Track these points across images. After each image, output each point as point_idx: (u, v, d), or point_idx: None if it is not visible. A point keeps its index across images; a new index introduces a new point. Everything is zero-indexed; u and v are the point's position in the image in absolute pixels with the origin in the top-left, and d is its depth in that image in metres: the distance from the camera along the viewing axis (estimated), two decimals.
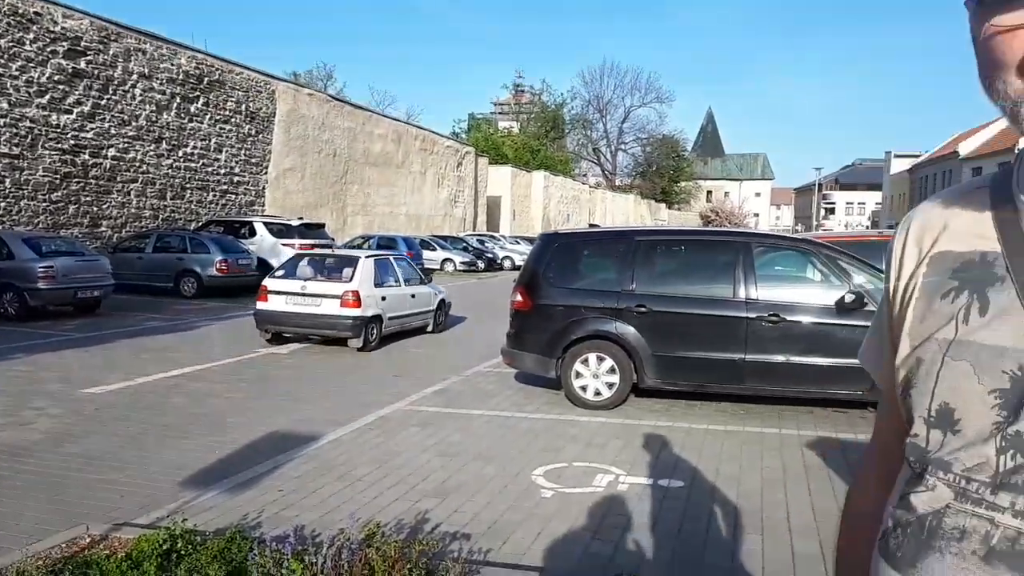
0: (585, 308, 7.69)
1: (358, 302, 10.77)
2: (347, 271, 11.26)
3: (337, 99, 30.19)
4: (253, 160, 24.30)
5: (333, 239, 23.68)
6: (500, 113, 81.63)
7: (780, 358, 7.23)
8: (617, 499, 5.00)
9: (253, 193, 24.44)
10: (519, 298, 8.03)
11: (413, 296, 12.46)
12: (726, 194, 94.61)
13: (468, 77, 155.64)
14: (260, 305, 11.12)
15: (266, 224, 20.46)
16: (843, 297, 7.13)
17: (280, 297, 11.01)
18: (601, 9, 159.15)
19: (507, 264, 33.11)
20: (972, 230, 0.85)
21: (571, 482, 5.33)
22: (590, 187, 63.29)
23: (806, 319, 7.25)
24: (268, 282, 11.27)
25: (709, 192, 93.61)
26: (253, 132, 24.17)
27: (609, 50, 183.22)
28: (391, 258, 12.87)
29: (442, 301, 13.32)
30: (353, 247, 26.74)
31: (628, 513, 4.75)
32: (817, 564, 4.03)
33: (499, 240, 36.98)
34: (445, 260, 30.29)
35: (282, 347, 11.08)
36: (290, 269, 11.74)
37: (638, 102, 76.76)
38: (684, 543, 4.32)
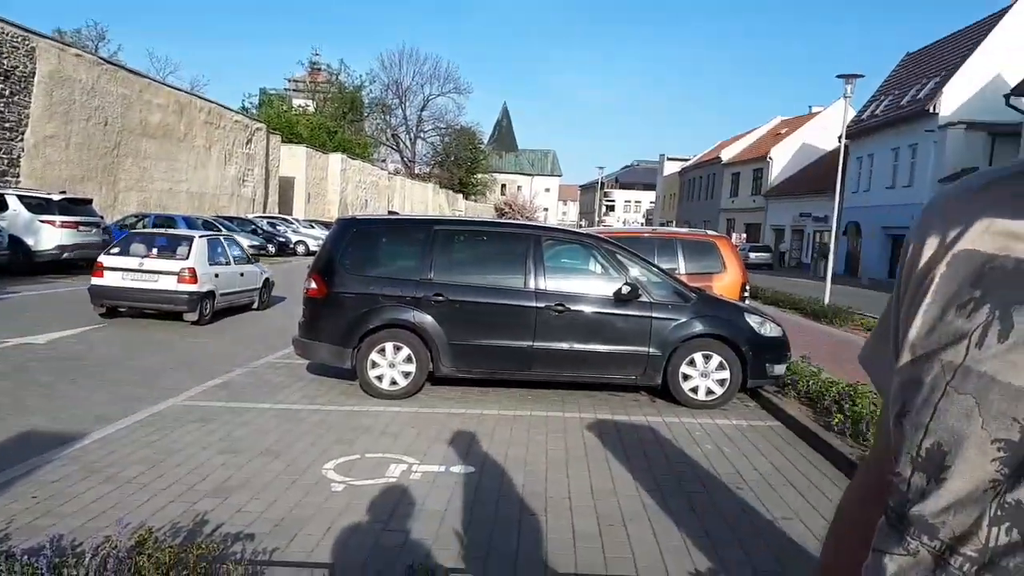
0: (383, 296, 7.63)
1: (194, 278, 11.57)
2: (182, 249, 11.98)
3: (110, 62, 27.34)
4: (6, 125, 21.40)
5: (102, 217, 21.52)
6: (295, 91, 78.26)
7: (565, 345, 7.63)
8: (409, 488, 5.03)
9: (6, 162, 21.54)
10: (313, 285, 7.79)
11: (242, 275, 13.40)
12: (519, 188, 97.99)
13: (260, 50, 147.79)
14: (95, 280, 11.57)
15: (21, 198, 18.11)
16: (620, 288, 7.67)
17: (116, 273, 11.55)
18: None
19: (300, 249, 31.96)
20: (1008, 227, 0.68)
21: (363, 474, 5.28)
22: (389, 173, 62.68)
23: (588, 309, 7.70)
24: (104, 259, 11.76)
25: (503, 185, 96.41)
26: (7, 93, 21.26)
27: (408, 37, 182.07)
28: (222, 238, 13.71)
29: (267, 280, 14.36)
30: (126, 226, 24.49)
31: (420, 502, 4.80)
32: (594, 541, 4.31)
33: (292, 223, 35.55)
34: None
35: (39, 336, 9.92)
36: (125, 246, 12.20)
37: (437, 91, 77.20)
38: (474, 527, 4.43)
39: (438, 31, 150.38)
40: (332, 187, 47.92)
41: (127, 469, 5.14)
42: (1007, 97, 25.54)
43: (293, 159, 43.29)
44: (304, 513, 4.55)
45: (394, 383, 7.57)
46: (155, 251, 11.99)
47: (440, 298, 7.56)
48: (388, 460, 5.61)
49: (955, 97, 33.45)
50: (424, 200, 67.10)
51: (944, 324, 0.70)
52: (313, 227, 35.25)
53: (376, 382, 7.57)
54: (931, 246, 0.75)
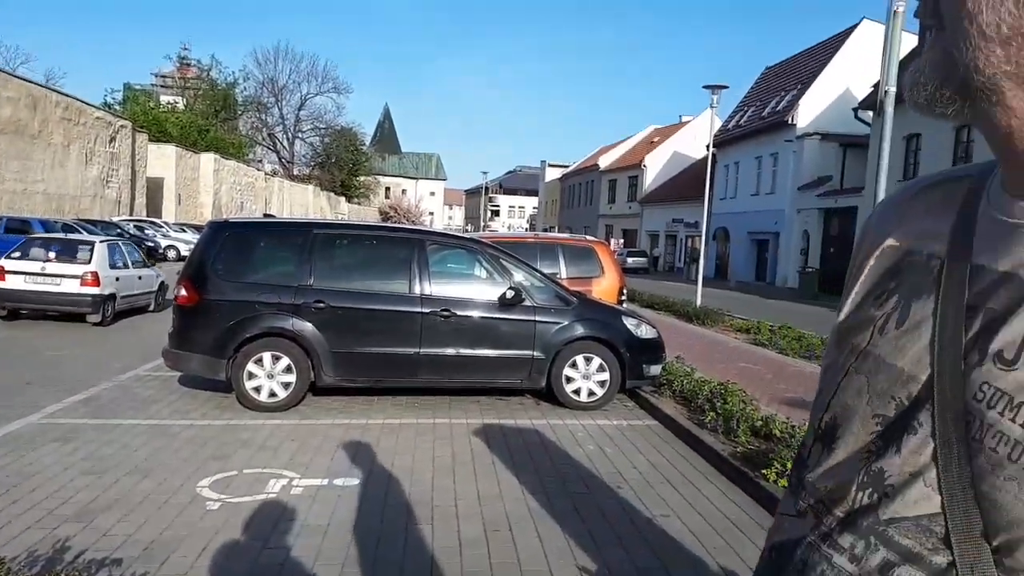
0: (259, 304, 7.36)
1: (97, 281, 12.17)
2: (83, 253, 12.54)
3: None
4: None
5: None
6: (163, 87, 74.38)
7: (451, 351, 7.63)
8: (290, 504, 4.88)
9: None
10: (184, 293, 7.43)
11: (140, 278, 14.14)
12: (403, 191, 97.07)
13: (124, 43, 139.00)
14: None
15: None
16: (504, 293, 7.75)
17: (19, 277, 12.04)
18: None
19: (171, 254, 30.35)
20: (930, 227, 0.73)
21: (241, 491, 5.08)
22: (266, 174, 60.59)
23: (473, 314, 7.74)
24: (5, 263, 12.19)
25: (387, 188, 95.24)
26: None
27: (284, 33, 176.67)
28: (120, 243, 14.37)
29: (162, 283, 15.00)
30: None
31: (302, 517, 4.67)
32: (480, 547, 4.33)
33: (162, 227, 33.72)
34: None
35: None
36: (25, 250, 12.58)
37: (315, 90, 75.48)
38: (358, 541, 4.36)
39: (315, 28, 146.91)
40: (204, 188, 45.81)
41: None
42: (855, 111, 27.66)
43: (162, 159, 41.08)
44: (177, 534, 4.33)
45: (273, 395, 7.33)
46: (54, 255, 12.42)
47: (321, 305, 7.38)
48: (267, 475, 5.42)
49: (810, 109, 35.91)
50: (304, 203, 65.29)
51: (861, 312, 0.76)
52: (184, 231, 33.59)
53: (254, 394, 7.29)
54: (868, 243, 0.81)
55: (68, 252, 12.59)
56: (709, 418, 6.89)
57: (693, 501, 5.26)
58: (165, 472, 5.40)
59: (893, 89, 5.04)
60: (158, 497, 4.89)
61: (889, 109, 5.07)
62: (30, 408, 6.95)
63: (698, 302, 18.60)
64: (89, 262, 12.30)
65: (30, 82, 29.74)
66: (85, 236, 15.51)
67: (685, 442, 6.82)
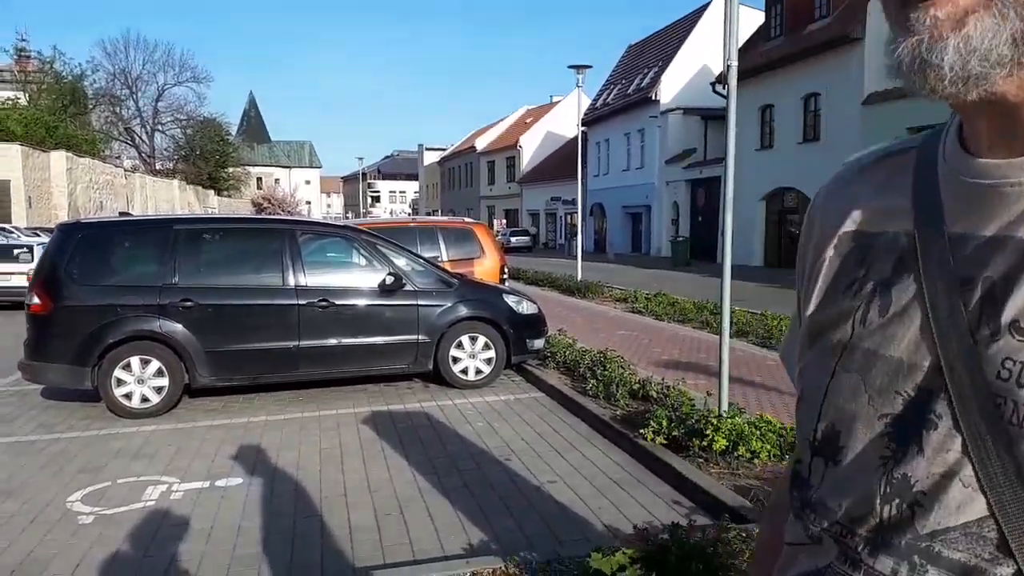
0: (121, 307, 6.98)
1: None
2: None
3: None
4: None
5: None
6: (1, 81, 68.47)
7: (332, 341, 7.52)
8: (171, 510, 4.71)
9: None
10: (36, 300, 6.94)
11: None
12: (276, 181, 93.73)
13: None
14: None
15: None
16: (384, 279, 7.70)
17: None
18: None
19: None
20: (888, 204, 0.69)
21: (115, 501, 4.85)
22: (126, 171, 57.00)
23: (354, 302, 7.65)
24: None
25: (259, 179, 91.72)
26: None
27: (132, 20, 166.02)
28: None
29: None
30: None
31: (184, 523, 4.51)
32: (371, 532, 4.34)
33: (12, 233, 31.14)
34: None
35: None
36: None
37: (172, 80, 71.29)
38: (244, 540, 4.27)
39: (166, 15, 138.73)
40: (58, 189, 42.61)
41: None
42: (712, 85, 28.99)
43: (6, 160, 37.84)
44: (47, 552, 4.10)
45: (145, 400, 6.99)
46: None
47: (189, 303, 7.09)
48: (144, 483, 5.20)
49: (672, 85, 37.33)
50: (170, 198, 61.94)
51: (833, 306, 0.69)
52: (39, 235, 31.11)
53: (124, 401, 6.94)
54: (821, 228, 0.76)
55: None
56: (591, 385, 7.14)
57: (578, 465, 5.45)
58: (31, 490, 5.08)
59: (735, 63, 5.33)
60: (24, 517, 4.60)
61: (733, 82, 5.36)
62: None
63: (579, 276, 19.09)
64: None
65: None
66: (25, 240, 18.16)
67: (569, 410, 7.05)
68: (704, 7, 38.01)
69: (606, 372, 7.24)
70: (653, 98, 37.31)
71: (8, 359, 8.30)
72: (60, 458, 5.80)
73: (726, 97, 5.47)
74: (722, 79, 5.45)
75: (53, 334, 6.93)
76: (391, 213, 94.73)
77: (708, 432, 5.12)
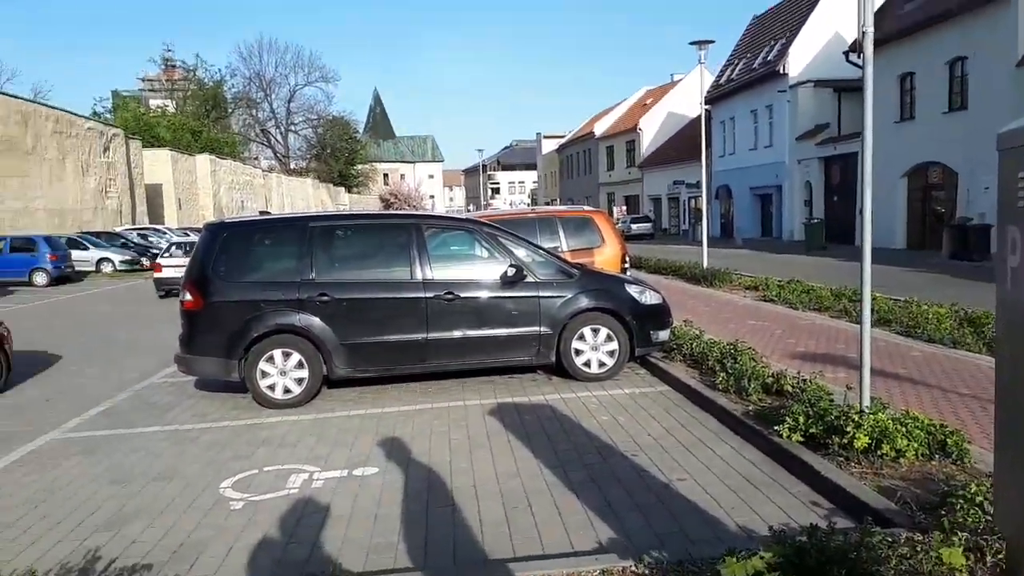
0: (264, 302, 7.40)
1: None
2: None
3: None
4: None
5: None
6: (150, 91, 74.07)
7: (458, 333, 7.67)
8: (312, 498, 4.96)
9: None
10: (188, 297, 7.47)
11: None
12: (402, 176, 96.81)
13: (106, 49, 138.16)
14: (156, 275, 18.90)
15: None
16: (505, 271, 7.77)
17: (171, 268, 17.89)
18: None
19: None
20: None
21: (263, 489, 5.17)
22: (263, 171, 60.53)
23: (477, 294, 7.76)
24: (161, 260, 19.26)
25: (386, 175, 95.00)
26: None
27: (265, 24, 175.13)
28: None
29: None
30: None
31: (324, 510, 4.75)
32: (501, 525, 4.40)
33: (165, 233, 33.79)
34: (101, 260, 27.02)
35: None
36: (168, 251, 20.16)
37: (303, 81, 75.23)
38: (381, 527, 4.44)
39: (294, 16, 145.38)
40: (203, 191, 45.82)
41: (5, 514, 4.83)
42: (846, 54, 27.35)
43: (158, 164, 41.07)
44: (204, 535, 4.42)
45: (288, 391, 7.40)
46: (183, 252, 18.30)
47: (325, 298, 7.42)
48: (288, 471, 5.51)
49: (801, 57, 35.46)
50: (305, 196, 65.27)
51: None
52: (188, 235, 33.57)
53: (268, 392, 7.37)
54: None
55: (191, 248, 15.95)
56: (720, 379, 6.93)
57: (708, 462, 5.31)
58: (188, 476, 5.49)
59: (871, 30, 4.97)
60: (182, 501, 4.98)
61: (869, 51, 5.00)
62: (51, 425, 7.06)
63: (704, 263, 18.58)
64: None
65: (18, 98, 29.74)
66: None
67: (698, 405, 6.87)
68: None
69: (737, 365, 7.00)
70: (781, 71, 35.64)
71: (166, 355, 9.00)
72: (212, 446, 6.24)
73: (862, 67, 5.12)
74: (856, 47, 5.09)
75: (203, 329, 7.45)
76: (511, 204, 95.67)
77: (849, 429, 4.85)
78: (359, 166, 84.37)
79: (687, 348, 8.30)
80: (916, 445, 4.72)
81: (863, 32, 4.97)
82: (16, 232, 25.03)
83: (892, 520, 3.87)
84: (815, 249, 27.66)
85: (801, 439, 5.16)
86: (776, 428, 5.37)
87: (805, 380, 6.29)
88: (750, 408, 6.17)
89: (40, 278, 23.08)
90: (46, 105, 31.45)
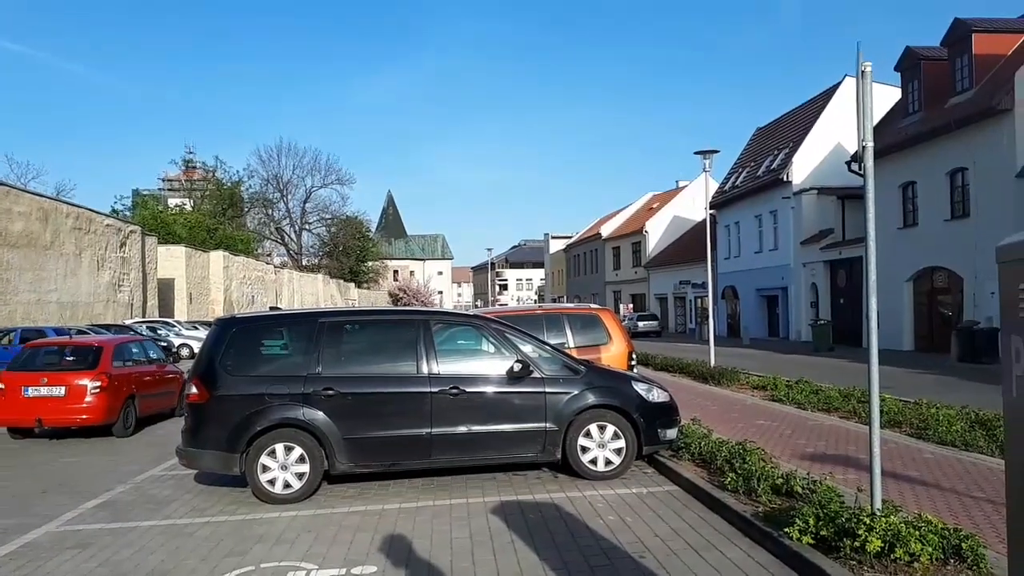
0: (269, 396, 7.39)
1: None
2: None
3: None
4: None
5: None
6: (170, 190, 76.31)
7: (463, 428, 7.60)
8: None
9: None
10: (194, 391, 7.47)
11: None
12: (411, 273, 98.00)
13: (130, 151, 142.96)
14: None
15: None
16: (512, 367, 7.76)
17: None
18: (274, 83, 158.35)
19: (184, 352, 30.52)
20: None
21: None
22: (275, 267, 61.42)
23: (483, 389, 7.73)
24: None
25: (395, 271, 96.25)
26: None
27: (285, 128, 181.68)
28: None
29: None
30: None
31: None
32: None
33: (174, 326, 34.03)
34: None
35: None
36: None
37: (319, 183, 76.96)
38: None
39: (314, 123, 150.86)
40: (215, 285, 46.40)
41: None
42: (847, 164, 28.05)
43: (172, 260, 41.80)
44: None
45: (288, 486, 7.28)
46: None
47: (330, 392, 7.41)
48: (284, 568, 5.36)
49: (805, 165, 36.41)
50: (315, 292, 65.92)
51: None
52: (197, 328, 33.83)
53: (268, 487, 7.25)
54: None
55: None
56: (729, 479, 6.80)
57: (718, 566, 5.15)
58: (182, 574, 5.35)
59: (871, 144, 5.16)
60: None
61: (869, 163, 5.18)
62: (47, 517, 6.93)
63: (712, 362, 18.50)
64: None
65: (41, 196, 30.62)
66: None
67: (706, 505, 6.72)
68: (835, 86, 37.28)
69: (746, 465, 6.88)
70: (785, 179, 36.51)
71: (169, 449, 8.90)
72: (209, 541, 6.10)
73: (863, 176, 5.28)
74: (858, 158, 5.28)
75: (207, 422, 7.41)
76: (518, 300, 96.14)
77: (861, 532, 4.73)
78: (370, 263, 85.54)
79: (695, 447, 8.18)
80: (930, 549, 4.58)
81: (863, 146, 5.14)
82: (28, 324, 25.24)
83: None
84: (822, 350, 27.55)
85: (812, 541, 5.02)
86: (786, 530, 5.23)
87: (815, 481, 6.17)
88: (760, 509, 6.03)
89: None
90: (67, 202, 32.33)
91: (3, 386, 11.18)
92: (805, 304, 35.46)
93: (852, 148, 30.93)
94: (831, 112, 36.33)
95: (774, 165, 39.16)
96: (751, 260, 40.99)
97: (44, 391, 11.16)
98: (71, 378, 11.29)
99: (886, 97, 28.83)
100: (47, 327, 24.39)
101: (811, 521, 5.11)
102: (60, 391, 11.17)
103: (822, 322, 30.32)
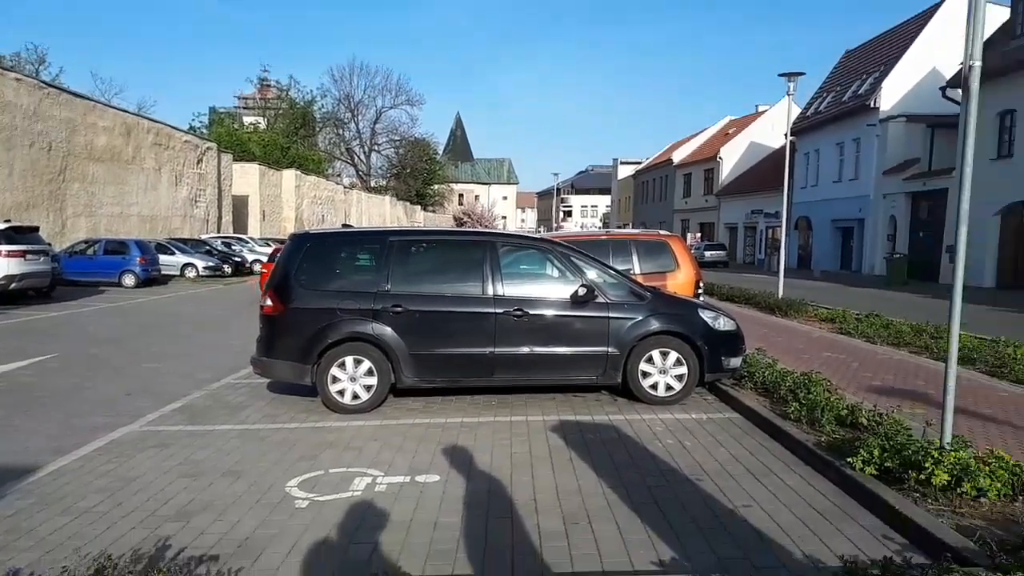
0: (340, 310, 7.58)
1: None
2: None
3: (51, 85, 26.72)
4: None
5: (50, 244, 21.02)
6: (245, 108, 77.27)
7: (525, 349, 7.68)
8: (375, 501, 5.03)
9: None
10: (269, 302, 7.72)
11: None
12: (476, 197, 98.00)
13: (208, 69, 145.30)
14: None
15: None
16: (576, 291, 7.75)
17: None
18: (347, 3, 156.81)
19: (257, 268, 31.53)
20: None
21: (327, 489, 5.27)
22: (345, 188, 62.21)
23: (546, 312, 7.77)
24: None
25: (460, 195, 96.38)
26: None
27: (358, 49, 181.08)
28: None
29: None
30: (75, 253, 24.00)
31: (386, 514, 4.80)
32: (560, 540, 4.37)
33: (248, 242, 35.08)
34: (186, 265, 28.17)
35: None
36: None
37: (389, 103, 76.86)
38: (439, 536, 4.46)
39: (386, 42, 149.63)
40: (287, 204, 47.40)
41: (84, 499, 5.06)
42: (943, 90, 26.42)
43: (246, 177, 42.74)
44: (269, 532, 4.52)
45: (356, 397, 7.55)
46: None
47: (399, 309, 7.56)
48: (352, 474, 5.60)
49: (894, 91, 34.46)
50: (381, 213, 66.74)
51: None
52: (269, 245, 34.82)
53: (338, 397, 7.53)
54: None
55: None
56: (792, 409, 6.73)
57: (776, 491, 5.15)
58: (256, 474, 5.64)
59: (978, 64, 4.77)
60: (250, 497, 5.12)
61: (974, 85, 4.80)
62: (130, 418, 7.37)
63: (780, 293, 18.12)
64: None
65: (123, 111, 31.48)
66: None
67: (767, 433, 6.68)
68: (935, 7, 34.82)
69: (810, 395, 6.78)
70: (872, 105, 34.68)
71: (242, 357, 9.29)
72: (281, 446, 6.40)
73: (960, 102, 4.93)
74: (956, 82, 4.92)
75: (281, 334, 7.68)
76: (582, 227, 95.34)
77: (927, 465, 4.64)
78: (436, 186, 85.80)
79: (758, 376, 8.10)
80: (999, 485, 4.48)
81: (971, 65, 4.77)
82: (111, 236, 26.37)
83: (971, 559, 3.67)
84: (896, 284, 26.64)
85: (875, 472, 4.96)
86: (849, 460, 5.17)
87: (882, 414, 6.05)
88: (822, 439, 5.96)
89: (129, 280, 24.20)
90: (147, 118, 33.20)
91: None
92: (882, 237, 34.15)
93: (948, 73, 29.09)
94: (928, 34, 34.07)
95: (861, 90, 37.18)
96: (828, 190, 39.49)
97: None
98: None
99: (993, 17, 26.80)
100: (129, 239, 25.45)
101: (876, 452, 5.04)
102: None
103: (898, 255, 29.22)
